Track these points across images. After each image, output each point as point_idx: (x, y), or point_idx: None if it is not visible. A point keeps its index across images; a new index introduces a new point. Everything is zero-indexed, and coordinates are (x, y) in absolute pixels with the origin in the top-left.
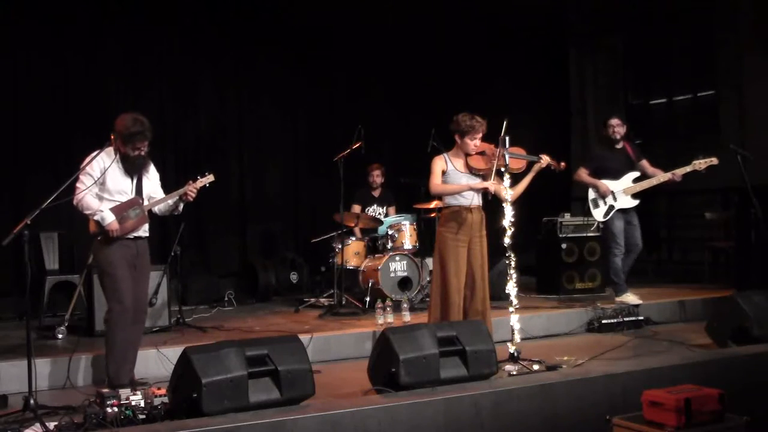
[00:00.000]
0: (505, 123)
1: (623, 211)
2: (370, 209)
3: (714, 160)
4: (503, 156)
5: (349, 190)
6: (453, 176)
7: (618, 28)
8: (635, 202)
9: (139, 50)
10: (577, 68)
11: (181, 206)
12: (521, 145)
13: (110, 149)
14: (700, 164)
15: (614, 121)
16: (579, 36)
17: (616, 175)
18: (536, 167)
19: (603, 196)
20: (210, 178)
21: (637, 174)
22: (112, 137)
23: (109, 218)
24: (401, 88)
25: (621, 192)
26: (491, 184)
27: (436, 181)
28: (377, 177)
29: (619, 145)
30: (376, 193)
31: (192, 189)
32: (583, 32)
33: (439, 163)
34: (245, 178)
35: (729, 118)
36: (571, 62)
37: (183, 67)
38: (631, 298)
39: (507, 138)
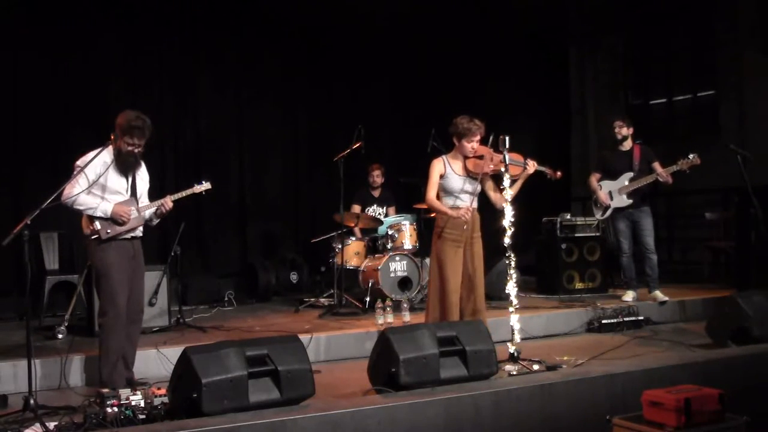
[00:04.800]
0: (507, 140)
1: (628, 213)
2: (370, 209)
3: (697, 160)
4: (501, 161)
5: (349, 190)
6: (451, 179)
7: (618, 28)
8: (629, 202)
9: (139, 50)
10: (577, 68)
11: (156, 220)
12: (520, 146)
13: (110, 149)
14: (683, 164)
15: (617, 123)
16: (579, 36)
17: (616, 176)
18: (523, 174)
19: (601, 203)
20: (207, 185)
21: (632, 174)
22: (112, 137)
23: (110, 207)
24: (401, 88)
25: (616, 192)
26: (465, 214)
27: (430, 195)
28: (377, 177)
29: (625, 147)
30: (376, 193)
31: (168, 201)
32: (583, 32)
33: (437, 167)
34: (245, 178)
35: (729, 118)
36: (571, 62)
37: (183, 66)
38: (628, 296)
39: (507, 138)
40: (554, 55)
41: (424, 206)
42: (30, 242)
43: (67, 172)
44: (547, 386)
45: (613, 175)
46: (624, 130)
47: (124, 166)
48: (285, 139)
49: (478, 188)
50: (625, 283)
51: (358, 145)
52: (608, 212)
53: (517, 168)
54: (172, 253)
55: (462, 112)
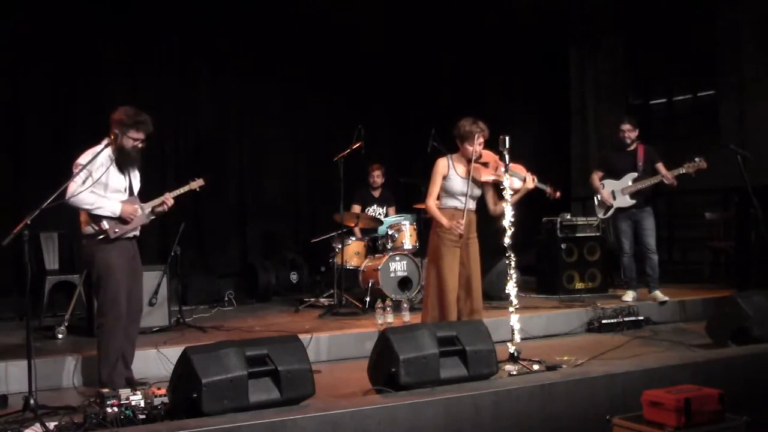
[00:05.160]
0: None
1: (631, 213)
2: (370, 209)
3: (703, 164)
4: (502, 174)
5: (349, 190)
6: (453, 181)
7: (618, 28)
8: (632, 202)
9: (139, 50)
10: (577, 68)
11: (151, 217)
12: (520, 146)
13: (110, 147)
14: (689, 167)
15: (625, 126)
16: (579, 36)
17: (619, 176)
18: (523, 188)
19: (604, 202)
20: (200, 182)
21: (636, 174)
22: (112, 137)
23: (118, 206)
24: (402, 88)
25: (619, 191)
26: (457, 227)
27: (429, 201)
28: (377, 177)
29: (630, 148)
30: (376, 193)
31: (169, 198)
32: (583, 32)
33: (440, 168)
34: (245, 178)
35: (729, 118)
36: (571, 62)
37: (183, 67)
38: (628, 296)
39: (507, 138)
40: (554, 55)
41: (423, 206)
42: (30, 242)
43: (67, 172)
44: (547, 386)
45: (616, 175)
46: (632, 134)
47: (127, 162)
48: (285, 139)
49: (478, 192)
50: (625, 283)
51: (358, 145)
52: (610, 212)
53: (517, 182)
54: (172, 253)
55: (462, 111)
